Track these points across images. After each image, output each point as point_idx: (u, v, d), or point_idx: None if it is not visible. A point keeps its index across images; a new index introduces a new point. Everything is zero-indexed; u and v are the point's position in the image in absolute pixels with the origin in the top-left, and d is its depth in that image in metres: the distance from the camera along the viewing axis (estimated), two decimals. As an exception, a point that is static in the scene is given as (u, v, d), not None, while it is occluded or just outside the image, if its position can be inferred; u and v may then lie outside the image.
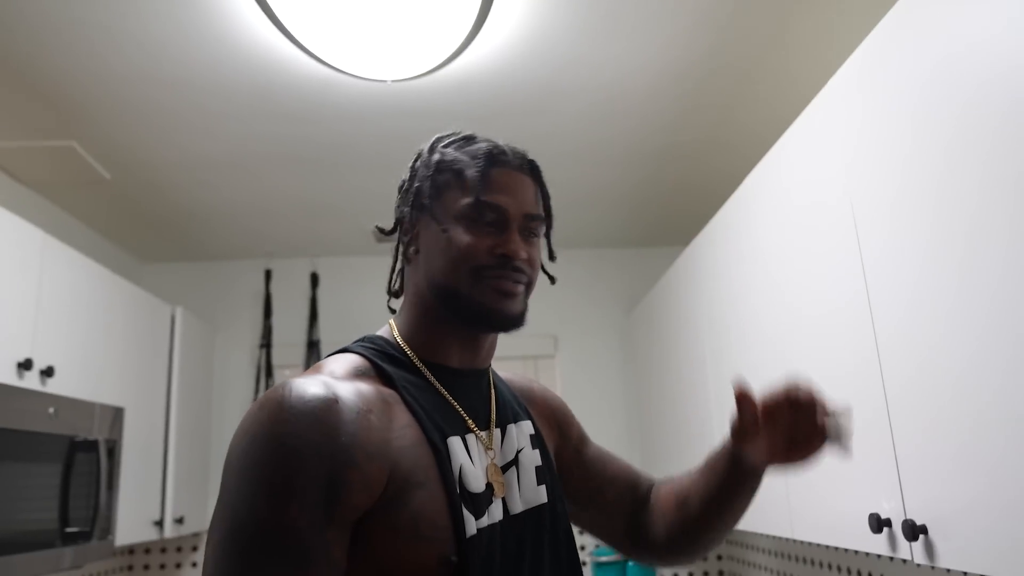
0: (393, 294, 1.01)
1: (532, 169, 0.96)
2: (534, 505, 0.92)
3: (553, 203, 0.94)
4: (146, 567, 3.26)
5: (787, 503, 1.69)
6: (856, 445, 1.37)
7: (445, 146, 0.96)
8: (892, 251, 1.23)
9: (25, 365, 1.93)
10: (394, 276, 1.01)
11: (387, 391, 0.85)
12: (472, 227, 0.90)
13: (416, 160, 0.98)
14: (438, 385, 0.91)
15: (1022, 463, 0.96)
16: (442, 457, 0.83)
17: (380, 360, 0.89)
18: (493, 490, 0.88)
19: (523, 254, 0.90)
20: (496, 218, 0.90)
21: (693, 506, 1.02)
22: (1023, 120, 0.94)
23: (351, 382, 0.83)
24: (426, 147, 0.98)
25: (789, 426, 0.90)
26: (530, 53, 1.98)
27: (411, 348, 0.93)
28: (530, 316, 0.93)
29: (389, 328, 0.97)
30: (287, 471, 0.73)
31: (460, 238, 0.89)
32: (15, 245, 1.95)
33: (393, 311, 1.03)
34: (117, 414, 2.34)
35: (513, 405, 1.02)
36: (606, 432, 3.48)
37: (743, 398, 0.91)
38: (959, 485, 1.07)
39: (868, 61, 1.28)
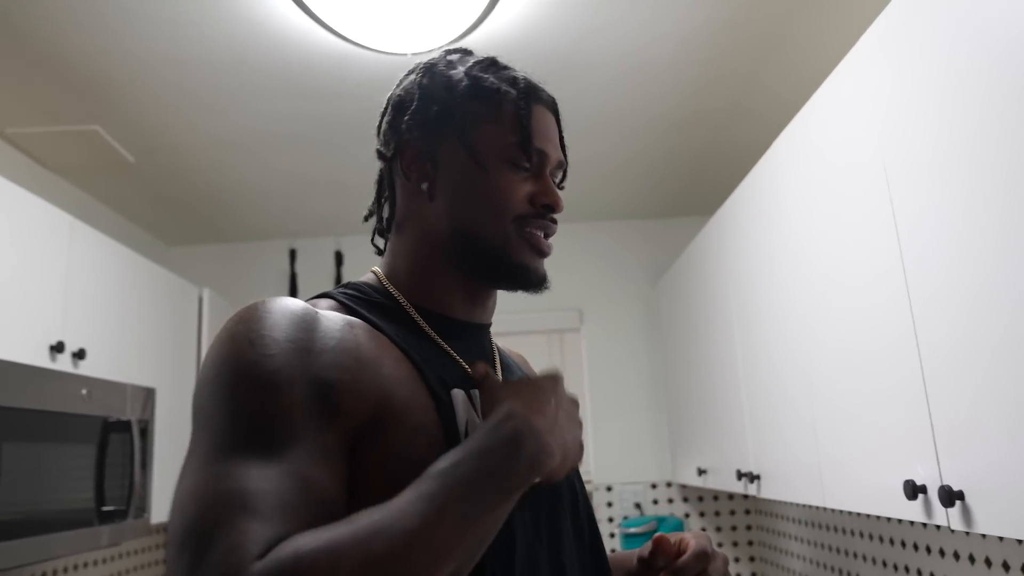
0: (380, 231, 0.90)
1: (556, 108, 0.89)
2: None
3: (576, 176, 0.88)
4: (182, 544, 3.31)
5: (818, 471, 1.67)
6: (891, 411, 1.35)
7: (471, 67, 0.85)
8: (926, 212, 1.20)
9: (57, 348, 1.96)
10: (383, 207, 0.89)
11: (375, 331, 0.75)
12: (512, 170, 0.81)
13: (421, 76, 0.85)
14: (433, 334, 0.80)
15: (1064, 426, 0.93)
16: (444, 407, 0.72)
17: (362, 308, 0.78)
18: None
19: (562, 204, 0.82)
20: (536, 164, 0.82)
21: None
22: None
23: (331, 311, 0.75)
24: (439, 64, 0.85)
25: None
26: (550, 22, 1.95)
27: (403, 294, 0.82)
28: (555, 290, 0.84)
29: (374, 276, 0.85)
30: (269, 365, 0.64)
31: (504, 182, 0.80)
32: (44, 229, 1.97)
33: (379, 250, 0.90)
34: (148, 395, 2.38)
35: (517, 367, 0.95)
36: (633, 406, 3.48)
37: (661, 545, 0.85)
38: (997, 450, 1.05)
39: (900, 16, 1.25)
